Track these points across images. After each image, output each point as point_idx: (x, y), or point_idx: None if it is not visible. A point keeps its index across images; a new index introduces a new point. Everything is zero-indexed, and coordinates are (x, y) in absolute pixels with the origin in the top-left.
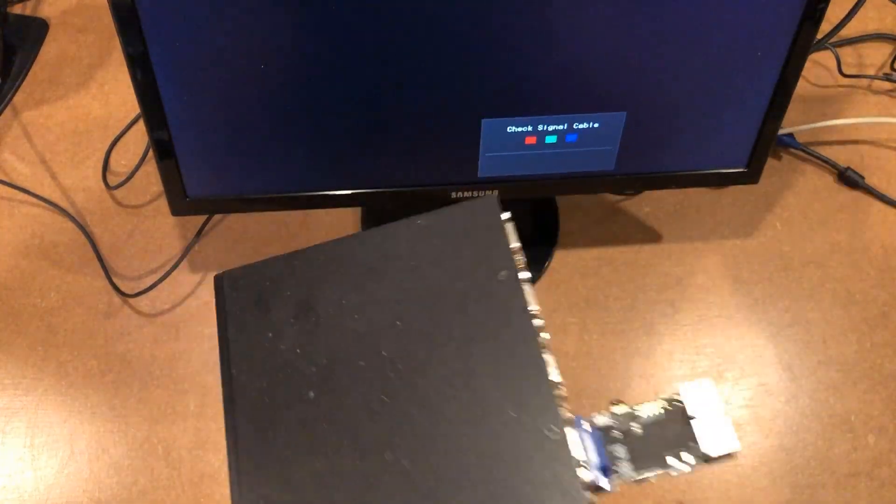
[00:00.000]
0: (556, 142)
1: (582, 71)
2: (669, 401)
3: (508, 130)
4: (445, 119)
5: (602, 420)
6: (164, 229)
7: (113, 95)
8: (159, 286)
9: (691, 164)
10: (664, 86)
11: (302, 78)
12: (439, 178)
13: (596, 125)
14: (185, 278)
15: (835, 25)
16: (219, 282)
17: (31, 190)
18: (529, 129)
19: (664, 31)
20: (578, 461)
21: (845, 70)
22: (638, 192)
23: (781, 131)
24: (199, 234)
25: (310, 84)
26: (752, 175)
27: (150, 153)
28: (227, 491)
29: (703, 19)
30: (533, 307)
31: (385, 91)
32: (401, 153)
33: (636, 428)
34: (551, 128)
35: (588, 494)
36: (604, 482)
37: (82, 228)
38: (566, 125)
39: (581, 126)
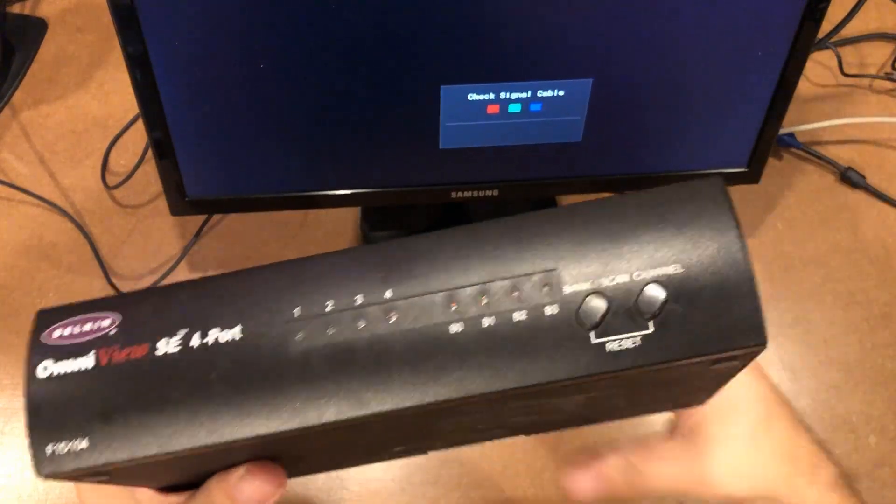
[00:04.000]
0: (521, 111)
1: (546, 34)
2: None
3: (469, 98)
4: (402, 85)
5: None
6: (163, 229)
7: (112, 95)
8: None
9: (691, 163)
10: (645, 62)
11: (300, 76)
12: (399, 152)
13: (561, 93)
14: (183, 278)
15: (836, 25)
16: None
17: (30, 189)
18: (491, 96)
19: (662, 30)
20: None
21: (846, 69)
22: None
23: (782, 131)
24: (198, 234)
25: (308, 82)
26: (752, 175)
27: (150, 153)
28: None
29: (703, 19)
30: None
31: (345, 56)
32: (359, 123)
33: None
34: (514, 95)
35: None
36: None
37: (81, 228)
38: (530, 93)
39: (545, 94)
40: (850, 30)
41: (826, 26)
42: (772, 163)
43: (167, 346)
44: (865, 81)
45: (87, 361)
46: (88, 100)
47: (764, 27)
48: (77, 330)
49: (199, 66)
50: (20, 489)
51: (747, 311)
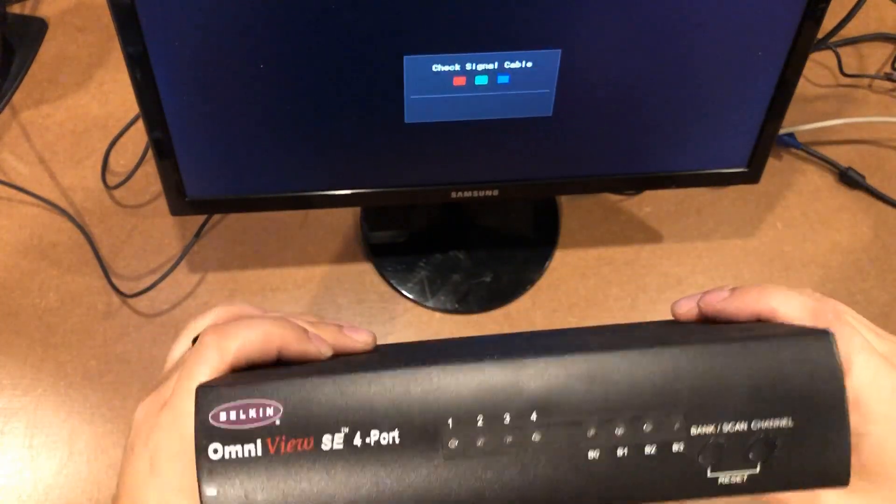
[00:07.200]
0: (488, 83)
1: (512, 1)
2: None
3: (434, 69)
4: (363, 55)
5: None
6: (163, 229)
7: (112, 95)
8: (158, 286)
9: (691, 163)
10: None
11: (299, 76)
12: (364, 127)
13: (529, 64)
14: (184, 278)
15: (836, 25)
16: None
17: (30, 190)
18: (457, 67)
19: (661, 30)
20: None
21: (846, 70)
22: (638, 191)
23: (782, 131)
24: (198, 234)
25: (308, 82)
26: (752, 175)
27: (150, 153)
28: None
29: (703, 19)
30: None
31: (311, 24)
32: (318, 93)
33: None
34: (481, 66)
35: None
36: None
37: (81, 228)
38: (497, 64)
39: (513, 65)
40: (850, 30)
41: (826, 26)
42: (772, 163)
43: (332, 442)
44: (865, 81)
45: (254, 448)
46: (88, 100)
47: (764, 27)
48: (242, 416)
49: (200, 66)
50: (20, 489)
51: (839, 460)
